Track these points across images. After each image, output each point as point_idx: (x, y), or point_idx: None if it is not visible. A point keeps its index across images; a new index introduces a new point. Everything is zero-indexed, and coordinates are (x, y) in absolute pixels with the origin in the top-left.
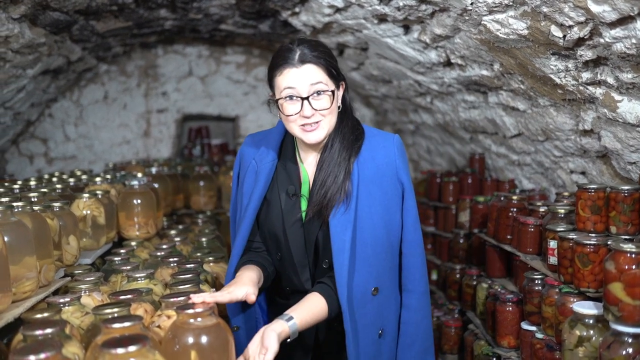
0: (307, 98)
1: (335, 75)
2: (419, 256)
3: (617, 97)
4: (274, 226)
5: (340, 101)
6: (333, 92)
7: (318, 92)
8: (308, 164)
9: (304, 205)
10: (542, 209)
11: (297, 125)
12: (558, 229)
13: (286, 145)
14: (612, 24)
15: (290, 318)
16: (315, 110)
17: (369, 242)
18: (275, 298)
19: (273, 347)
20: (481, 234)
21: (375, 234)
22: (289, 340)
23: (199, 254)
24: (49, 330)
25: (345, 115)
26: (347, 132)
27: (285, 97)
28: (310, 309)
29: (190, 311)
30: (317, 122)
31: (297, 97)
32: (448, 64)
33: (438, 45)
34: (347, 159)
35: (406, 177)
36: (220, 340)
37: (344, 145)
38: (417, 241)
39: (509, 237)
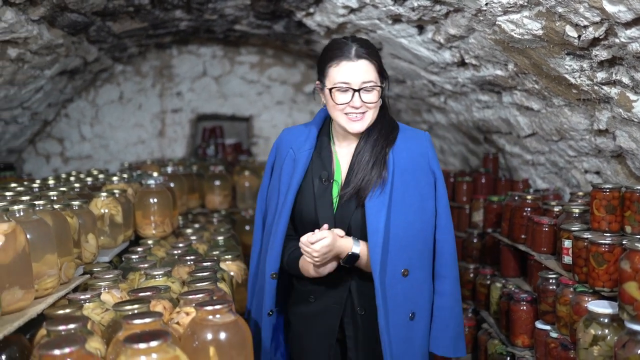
0: (358, 90)
1: (382, 73)
2: (451, 242)
3: (632, 97)
4: (306, 211)
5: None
6: (381, 87)
7: (368, 87)
8: (342, 153)
9: (335, 190)
10: (556, 209)
11: (343, 114)
12: (573, 229)
13: (322, 136)
14: (628, 24)
15: (358, 240)
16: (364, 102)
17: (401, 225)
18: (298, 284)
19: (325, 234)
20: (495, 234)
21: (407, 218)
22: (341, 262)
23: (215, 252)
24: (71, 326)
25: (384, 109)
26: (385, 124)
27: (338, 87)
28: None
29: (209, 308)
30: (362, 114)
31: (349, 88)
32: (462, 64)
33: (452, 45)
34: (383, 147)
35: (437, 167)
36: (239, 336)
37: (382, 135)
38: (449, 227)
39: (523, 236)
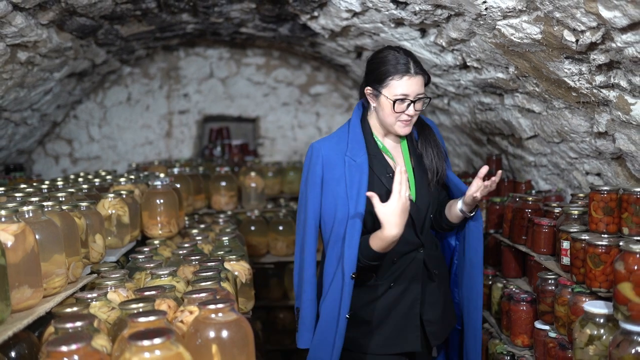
0: (414, 101)
1: (427, 85)
2: None
3: (630, 100)
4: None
5: None
6: (429, 98)
7: (420, 98)
8: (394, 152)
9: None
10: (556, 210)
11: (397, 119)
12: (571, 230)
13: (367, 140)
14: (624, 29)
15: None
16: (416, 111)
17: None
18: (375, 280)
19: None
20: (497, 235)
21: (449, 177)
22: (468, 212)
23: (220, 253)
24: (79, 324)
25: None
26: (420, 119)
27: (400, 99)
28: None
29: (212, 307)
30: (411, 119)
31: (407, 99)
32: (464, 66)
33: (454, 48)
34: (432, 132)
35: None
36: (241, 334)
37: (425, 126)
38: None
39: (523, 237)
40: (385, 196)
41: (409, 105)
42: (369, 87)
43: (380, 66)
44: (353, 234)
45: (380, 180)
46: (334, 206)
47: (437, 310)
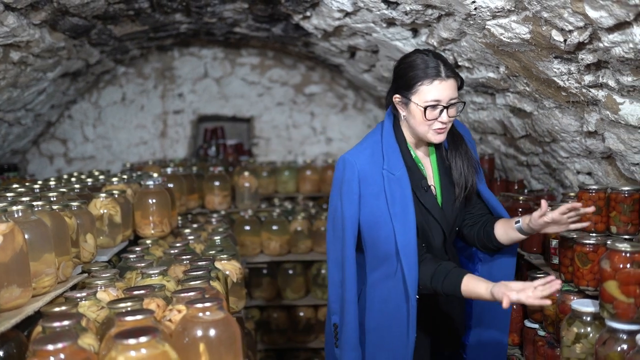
0: (447, 107)
1: (460, 89)
2: None
3: (618, 99)
4: (420, 220)
5: None
6: (463, 103)
7: (453, 104)
8: (423, 162)
9: (436, 194)
10: None
11: (431, 127)
12: None
13: (402, 151)
14: (610, 29)
15: None
16: (450, 117)
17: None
18: None
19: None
20: None
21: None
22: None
23: (211, 252)
24: (66, 323)
25: None
26: (452, 127)
27: (432, 105)
28: None
29: (199, 305)
30: (446, 126)
31: (439, 105)
32: (456, 66)
33: (445, 48)
34: (463, 141)
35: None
36: (228, 333)
37: (457, 135)
38: None
39: None
40: (420, 211)
41: (441, 111)
42: (397, 95)
43: (408, 71)
44: (409, 254)
45: (416, 194)
46: (374, 224)
47: (451, 317)
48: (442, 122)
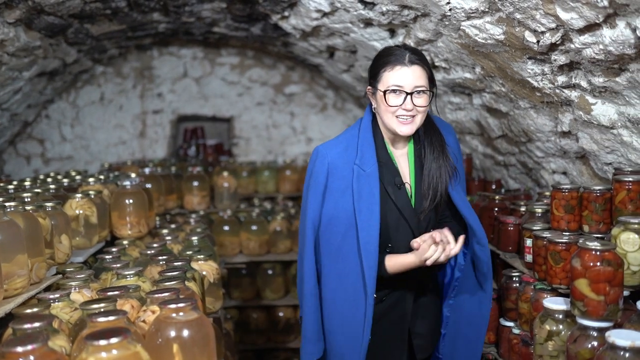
0: (410, 94)
1: (432, 80)
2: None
3: (591, 100)
4: (391, 216)
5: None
6: (432, 92)
7: (419, 91)
8: (399, 159)
9: (408, 193)
10: (522, 209)
11: (394, 116)
12: (533, 228)
13: (378, 146)
14: (581, 31)
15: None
16: (415, 106)
17: (462, 196)
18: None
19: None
20: None
21: (459, 191)
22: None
23: (188, 252)
24: (37, 324)
25: (430, 115)
26: (435, 128)
27: (392, 90)
28: None
29: (173, 306)
30: (412, 117)
31: (402, 91)
32: (433, 66)
33: (422, 48)
34: (442, 143)
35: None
36: (202, 334)
37: (435, 132)
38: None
39: (491, 236)
40: (390, 209)
41: (405, 98)
42: (369, 87)
43: (375, 61)
44: (371, 251)
45: (387, 190)
46: (336, 218)
47: (427, 323)
48: (405, 110)
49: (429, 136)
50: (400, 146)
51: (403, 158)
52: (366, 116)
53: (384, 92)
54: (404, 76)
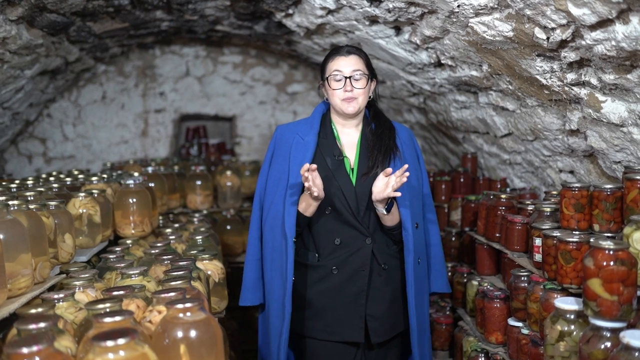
0: (349, 77)
1: (371, 69)
2: (432, 202)
3: (601, 97)
4: (326, 182)
5: (372, 91)
6: (368, 76)
7: (357, 75)
8: (345, 138)
9: (347, 165)
10: (530, 208)
11: (339, 98)
12: (543, 227)
13: (324, 124)
14: (593, 27)
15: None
16: (354, 87)
17: (407, 188)
18: (319, 261)
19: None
20: (471, 232)
21: (411, 184)
22: (385, 210)
23: (193, 252)
24: (42, 325)
25: (376, 103)
26: (381, 112)
27: (333, 75)
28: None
29: (180, 306)
30: (354, 98)
31: (342, 76)
32: (439, 64)
33: (428, 46)
34: (390, 127)
35: (419, 148)
36: (209, 334)
37: (383, 118)
38: (430, 193)
39: (497, 235)
40: (331, 175)
41: (345, 82)
42: (321, 81)
43: (323, 60)
44: (292, 205)
45: (325, 160)
46: (277, 180)
47: (382, 306)
48: (346, 91)
49: (377, 121)
50: (350, 129)
51: (349, 138)
52: (320, 105)
53: (328, 77)
54: (343, 63)
